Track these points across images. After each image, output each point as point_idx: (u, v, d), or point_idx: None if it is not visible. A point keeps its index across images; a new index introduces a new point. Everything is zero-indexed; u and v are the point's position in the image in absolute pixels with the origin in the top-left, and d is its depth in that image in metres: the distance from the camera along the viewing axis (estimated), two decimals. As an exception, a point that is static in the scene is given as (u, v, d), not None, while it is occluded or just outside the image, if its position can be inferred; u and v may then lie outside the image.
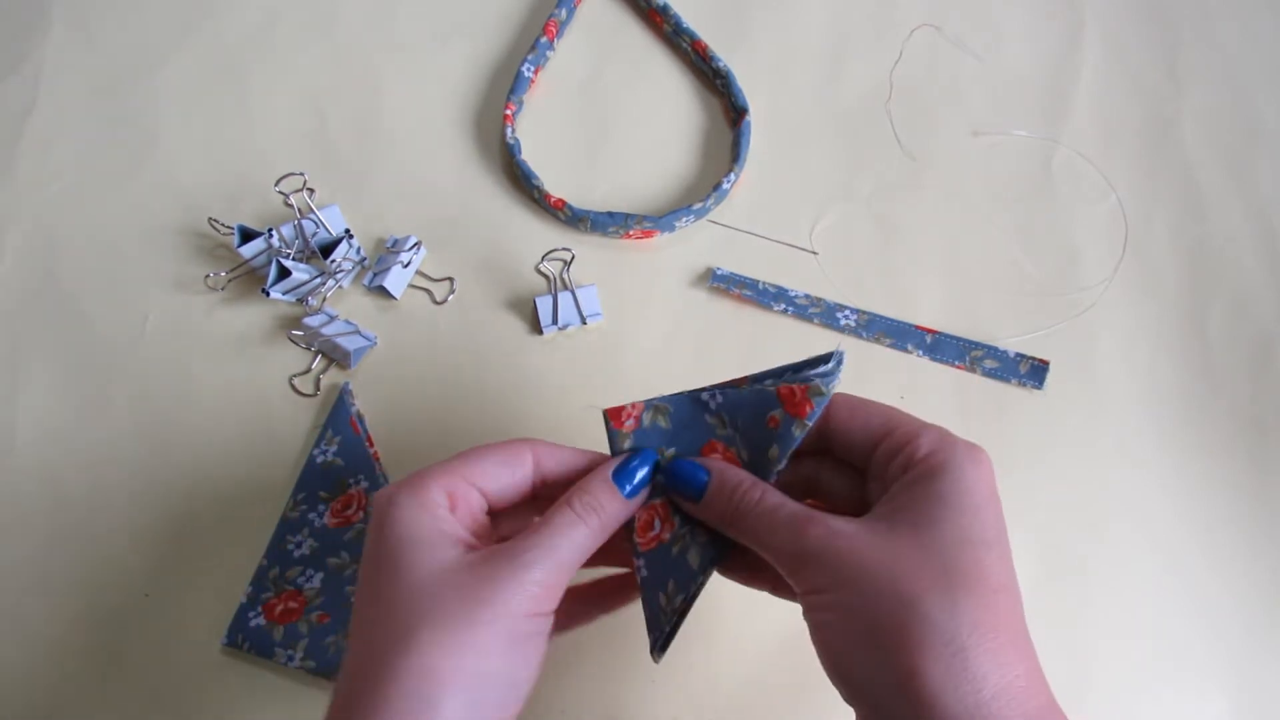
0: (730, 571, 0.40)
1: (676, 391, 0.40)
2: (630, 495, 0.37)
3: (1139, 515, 0.52)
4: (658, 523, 0.38)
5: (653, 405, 0.39)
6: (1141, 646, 0.49)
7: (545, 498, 0.39)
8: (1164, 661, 0.49)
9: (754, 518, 0.35)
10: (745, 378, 0.39)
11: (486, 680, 0.32)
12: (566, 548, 0.35)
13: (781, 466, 0.36)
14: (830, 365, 0.37)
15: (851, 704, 0.32)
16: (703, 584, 0.37)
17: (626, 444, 0.39)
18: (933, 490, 0.32)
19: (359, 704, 0.31)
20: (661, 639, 0.37)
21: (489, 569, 0.33)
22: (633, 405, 0.40)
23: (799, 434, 0.36)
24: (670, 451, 0.39)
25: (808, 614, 0.33)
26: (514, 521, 0.40)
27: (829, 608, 0.32)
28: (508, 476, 0.37)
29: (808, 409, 0.35)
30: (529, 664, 0.34)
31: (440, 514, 0.35)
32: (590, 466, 0.39)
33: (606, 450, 0.40)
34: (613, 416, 0.40)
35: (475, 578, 0.33)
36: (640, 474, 0.38)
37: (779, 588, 0.39)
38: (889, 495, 0.34)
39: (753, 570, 0.39)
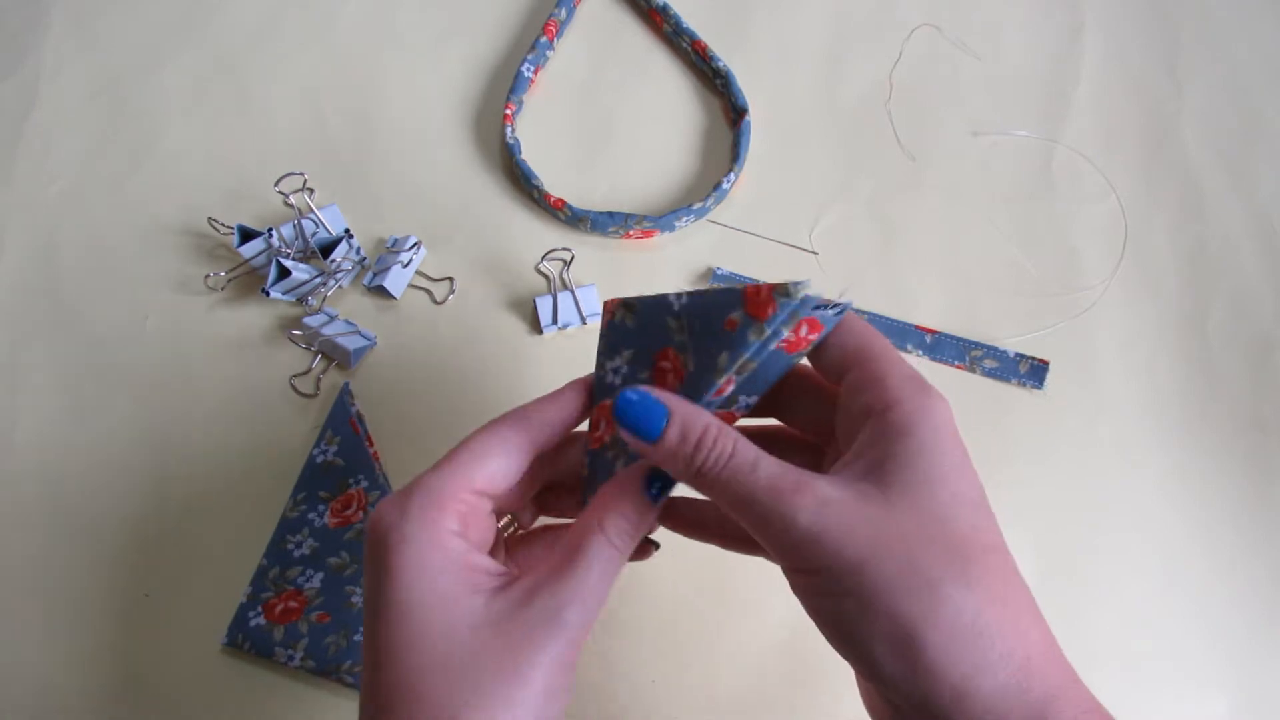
0: (670, 522, 0.36)
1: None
2: (659, 501, 0.33)
3: (1139, 515, 0.52)
4: (602, 423, 0.36)
5: (625, 302, 0.37)
6: (1141, 646, 0.49)
7: (539, 465, 0.36)
8: (1164, 661, 0.49)
9: (726, 480, 0.30)
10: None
11: None
12: (602, 586, 0.31)
13: (724, 379, 0.32)
14: (831, 312, 0.33)
15: (852, 665, 0.30)
16: None
17: (602, 343, 0.37)
18: (913, 447, 0.30)
19: None
20: None
21: (523, 630, 0.29)
22: (612, 299, 0.37)
23: (754, 340, 0.32)
24: (628, 353, 0.36)
25: (802, 593, 0.30)
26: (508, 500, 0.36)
27: (830, 593, 0.29)
28: (509, 466, 0.34)
29: (769, 310, 0.31)
30: (564, 701, 0.31)
31: (457, 548, 0.31)
32: (572, 410, 0.35)
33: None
34: (605, 309, 0.38)
35: (510, 647, 0.29)
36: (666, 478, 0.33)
37: (730, 541, 0.36)
38: (862, 446, 0.31)
39: (697, 525, 0.36)
